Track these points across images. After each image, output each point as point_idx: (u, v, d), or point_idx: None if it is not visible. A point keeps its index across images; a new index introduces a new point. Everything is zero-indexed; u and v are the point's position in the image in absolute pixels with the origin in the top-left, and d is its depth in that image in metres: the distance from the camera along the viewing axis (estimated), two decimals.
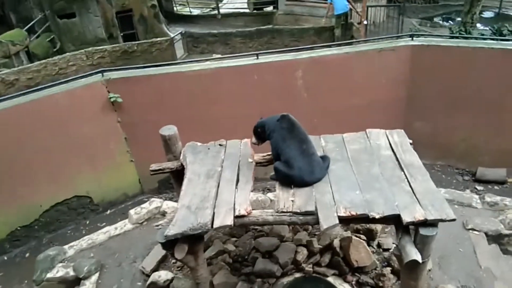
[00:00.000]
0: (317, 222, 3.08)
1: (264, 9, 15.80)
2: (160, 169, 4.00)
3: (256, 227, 4.63)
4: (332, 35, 11.73)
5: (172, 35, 12.67)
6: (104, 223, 5.83)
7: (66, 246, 5.00)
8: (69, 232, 5.92)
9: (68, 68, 10.53)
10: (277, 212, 3.20)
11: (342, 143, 3.96)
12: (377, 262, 4.20)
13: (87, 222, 6.06)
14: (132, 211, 5.34)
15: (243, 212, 3.17)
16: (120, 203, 6.38)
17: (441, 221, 2.98)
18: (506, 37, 6.93)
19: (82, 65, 10.71)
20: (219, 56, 10.44)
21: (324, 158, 3.61)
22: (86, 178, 5.94)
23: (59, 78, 9.00)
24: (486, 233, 4.55)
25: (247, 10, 16.12)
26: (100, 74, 5.65)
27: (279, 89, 5.96)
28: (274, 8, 15.21)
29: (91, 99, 5.62)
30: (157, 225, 5.15)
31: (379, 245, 4.45)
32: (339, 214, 3.05)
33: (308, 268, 4.17)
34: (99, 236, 5.14)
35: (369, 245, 4.34)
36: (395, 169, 3.53)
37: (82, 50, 10.89)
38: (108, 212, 6.26)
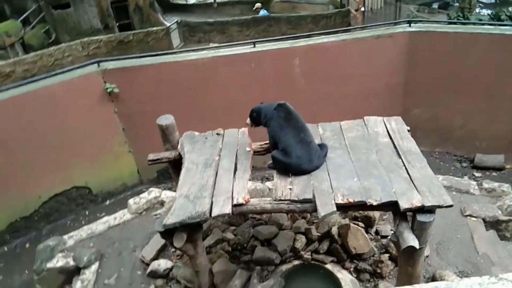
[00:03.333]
0: (315, 209, 3.08)
1: None
2: (158, 159, 3.99)
3: (255, 215, 4.65)
4: (329, 23, 11.71)
5: (168, 25, 12.56)
6: (103, 214, 5.84)
7: (65, 236, 5.02)
8: (68, 222, 5.94)
9: (64, 59, 10.44)
10: (275, 200, 3.21)
11: (340, 131, 3.95)
12: (375, 249, 4.22)
13: (87, 213, 6.08)
14: (131, 201, 5.35)
15: (241, 201, 3.18)
16: (119, 193, 6.39)
17: (439, 207, 2.99)
18: (504, 22, 6.87)
19: (77, 55, 10.62)
20: (216, 45, 10.38)
21: (322, 146, 3.61)
22: (84, 169, 5.94)
23: (55, 69, 8.92)
24: (484, 219, 4.57)
25: None
26: (96, 64, 5.61)
27: (277, 77, 5.93)
28: None
29: (87, 90, 5.59)
30: (156, 215, 5.17)
31: (377, 232, 4.47)
32: (336, 202, 3.05)
33: (307, 255, 4.19)
34: (99, 226, 5.16)
35: (367, 232, 4.36)
36: (392, 156, 3.53)
37: (78, 41, 10.79)
38: (107, 202, 6.27)
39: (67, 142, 5.62)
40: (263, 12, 12.44)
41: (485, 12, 11.27)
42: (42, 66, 10.03)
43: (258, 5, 12.43)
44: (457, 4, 12.48)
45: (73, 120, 5.59)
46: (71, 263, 4.58)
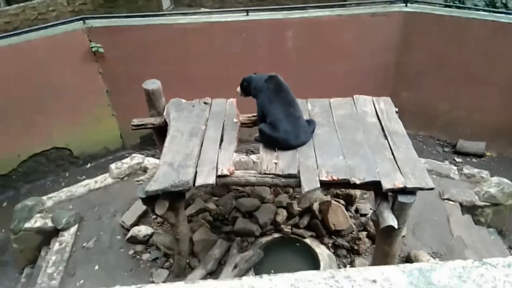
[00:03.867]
0: (298, 185, 3.09)
1: None
2: (142, 124, 3.90)
3: (238, 187, 4.65)
4: None
5: None
6: (84, 176, 5.77)
7: (44, 197, 4.93)
8: (48, 183, 5.85)
9: (48, 14, 9.98)
10: (260, 173, 3.20)
11: (329, 108, 3.93)
12: (354, 226, 4.30)
13: (67, 175, 5.99)
14: (113, 166, 5.27)
15: (226, 172, 3.16)
16: (101, 157, 6.30)
17: (420, 190, 3.03)
18: (499, 9, 6.85)
19: (62, 11, 10.17)
20: (208, 10, 10.08)
21: (310, 122, 3.59)
22: (65, 130, 5.80)
23: (38, 23, 8.56)
24: (461, 204, 4.67)
25: None
26: (81, 22, 5.39)
27: (268, 49, 5.82)
28: None
29: (71, 48, 5.39)
30: (138, 181, 5.12)
31: (357, 210, 4.54)
32: (321, 178, 3.06)
33: (287, 229, 4.24)
34: (79, 188, 5.08)
35: (347, 209, 4.42)
36: (379, 136, 3.54)
37: None
38: (88, 165, 6.18)
39: (49, 100, 5.46)
40: None
41: None
42: (25, 20, 9.59)
43: None
44: None
45: (56, 78, 5.41)
46: (50, 224, 4.53)
